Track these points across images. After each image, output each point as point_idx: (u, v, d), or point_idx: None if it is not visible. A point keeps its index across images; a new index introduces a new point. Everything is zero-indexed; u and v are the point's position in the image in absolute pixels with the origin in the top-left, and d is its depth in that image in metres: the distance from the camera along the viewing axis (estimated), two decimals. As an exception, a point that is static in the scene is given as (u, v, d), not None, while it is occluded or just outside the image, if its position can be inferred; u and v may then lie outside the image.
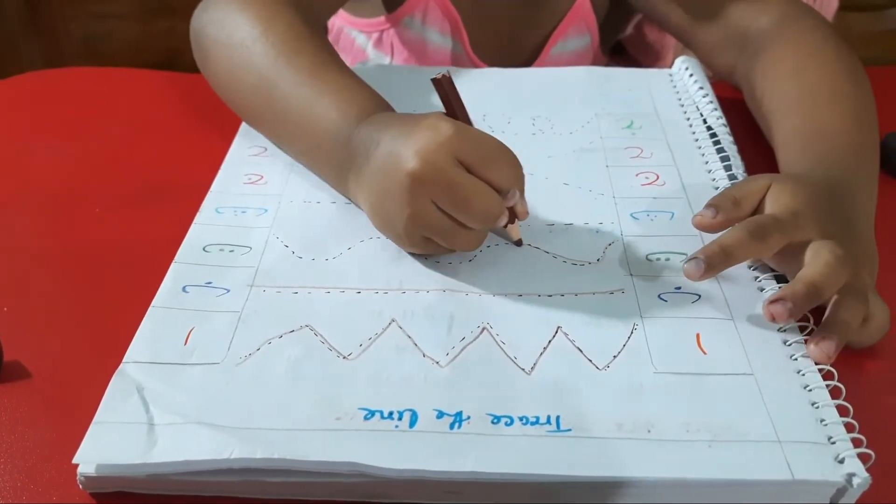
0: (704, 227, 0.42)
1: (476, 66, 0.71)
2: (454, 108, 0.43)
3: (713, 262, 0.39)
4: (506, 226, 0.43)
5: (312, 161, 0.50)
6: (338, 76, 0.48)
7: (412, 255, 0.44)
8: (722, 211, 0.41)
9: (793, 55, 0.55)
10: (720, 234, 0.40)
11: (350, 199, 0.48)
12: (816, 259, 0.39)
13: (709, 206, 0.42)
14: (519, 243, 0.45)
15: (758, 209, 0.42)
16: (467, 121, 0.43)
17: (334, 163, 0.46)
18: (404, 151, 0.40)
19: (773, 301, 0.38)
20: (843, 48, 0.55)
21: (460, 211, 0.40)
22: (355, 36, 0.76)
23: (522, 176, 0.43)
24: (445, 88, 0.42)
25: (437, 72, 0.44)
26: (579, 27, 0.71)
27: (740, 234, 0.40)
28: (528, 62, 0.72)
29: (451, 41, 0.70)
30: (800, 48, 0.55)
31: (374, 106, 0.46)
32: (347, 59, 0.79)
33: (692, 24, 0.63)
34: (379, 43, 0.74)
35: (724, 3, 0.61)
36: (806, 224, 0.40)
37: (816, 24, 0.57)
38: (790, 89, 0.53)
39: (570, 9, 0.70)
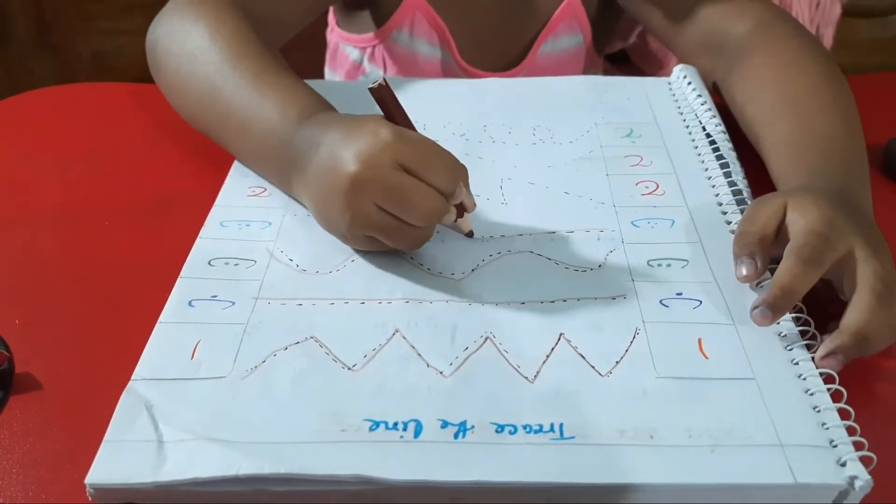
0: (752, 280, 0.42)
1: (466, 72, 0.72)
2: (393, 113, 0.44)
3: (779, 305, 0.39)
4: (455, 220, 0.45)
5: (256, 162, 0.51)
6: (279, 79, 0.49)
7: (414, 266, 0.45)
8: (759, 255, 0.41)
9: (769, 64, 0.55)
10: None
11: (294, 198, 0.49)
12: (858, 302, 0.39)
13: (744, 258, 0.41)
14: (470, 234, 0.47)
15: (780, 228, 0.42)
16: (408, 125, 0.44)
17: (277, 163, 0.48)
18: (345, 155, 0.41)
19: (826, 356, 0.38)
20: (821, 53, 0.55)
21: (403, 212, 0.41)
22: (349, 52, 0.78)
23: (464, 172, 0.44)
24: (383, 97, 0.43)
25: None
26: (570, 25, 0.71)
27: (796, 268, 0.39)
28: (517, 61, 0.72)
29: (440, 51, 0.71)
30: (776, 56, 0.55)
31: (315, 107, 0.48)
32: (340, 75, 0.80)
33: (671, 26, 0.64)
34: (372, 57, 0.75)
35: (701, 7, 0.61)
36: (844, 229, 0.40)
37: (792, 30, 0.57)
38: (770, 98, 0.53)
39: (559, 6, 0.70)
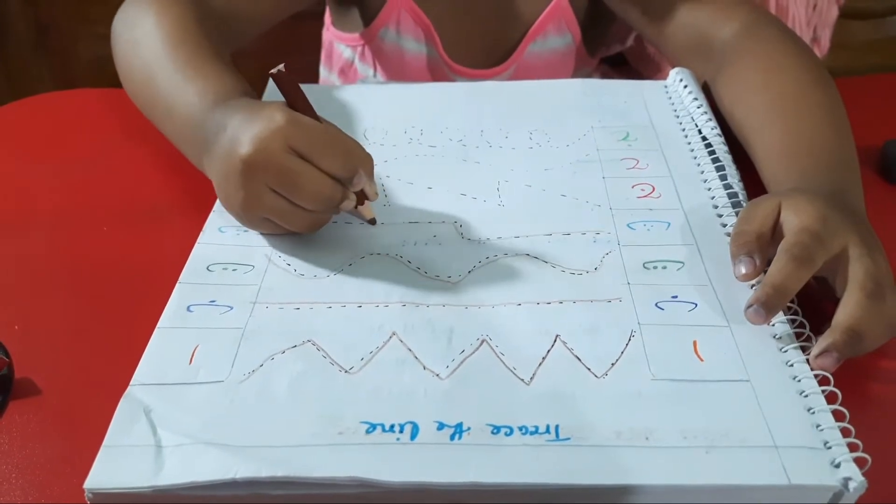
0: (752, 278, 0.41)
1: (452, 69, 0.72)
2: (294, 100, 0.45)
3: (772, 304, 0.39)
4: (356, 207, 0.46)
5: (178, 143, 0.53)
6: (207, 65, 0.51)
7: (411, 270, 0.45)
8: (757, 254, 0.41)
9: (755, 68, 0.56)
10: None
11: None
12: (848, 299, 0.39)
13: (742, 257, 0.41)
14: (372, 222, 0.49)
15: (775, 228, 0.42)
16: (309, 111, 0.45)
17: (192, 145, 0.50)
18: (242, 138, 0.43)
19: (819, 355, 0.38)
20: (807, 55, 0.55)
21: (293, 195, 0.43)
22: (342, 50, 0.79)
23: (366, 161, 0.45)
24: (284, 82, 0.45)
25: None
26: (558, 25, 0.72)
27: (788, 266, 0.39)
28: (504, 59, 0.73)
29: (426, 47, 0.72)
30: (762, 60, 0.56)
31: (233, 93, 0.49)
32: (335, 73, 0.81)
33: (660, 30, 0.64)
34: (363, 56, 0.76)
35: (687, 11, 0.62)
36: (838, 227, 0.40)
37: (779, 32, 0.58)
38: (757, 103, 0.53)
39: (546, 6, 0.71)
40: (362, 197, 0.46)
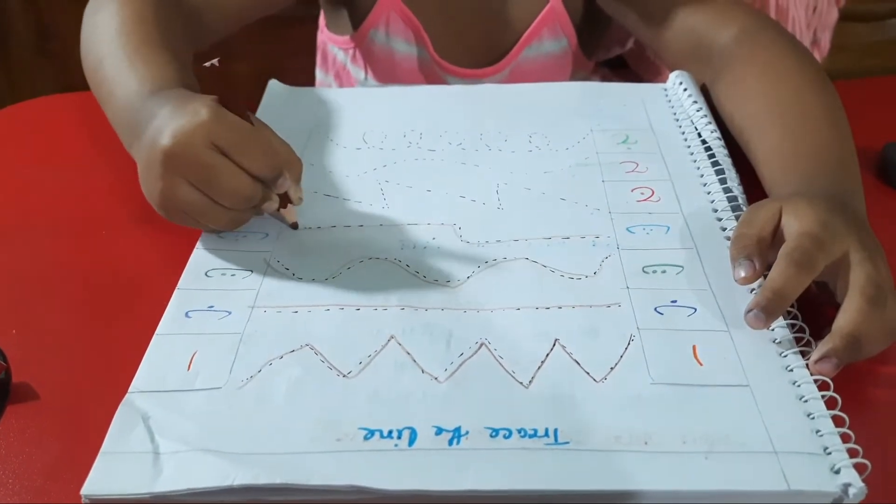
0: (750, 282, 0.41)
1: (443, 69, 0.72)
2: (227, 96, 0.44)
3: (772, 308, 0.39)
4: (279, 209, 0.46)
5: (116, 129, 0.53)
6: (154, 54, 0.51)
7: (409, 273, 0.45)
8: (757, 258, 0.41)
9: (754, 72, 0.55)
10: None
11: None
12: (849, 305, 0.39)
13: (742, 260, 0.41)
14: (294, 226, 0.48)
15: (776, 232, 0.42)
16: (240, 109, 0.45)
17: (126, 131, 0.50)
18: (165, 130, 0.43)
19: (819, 360, 0.38)
20: (806, 59, 0.55)
21: (210, 190, 0.43)
22: (336, 53, 0.79)
23: (291, 164, 0.45)
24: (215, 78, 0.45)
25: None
26: (553, 29, 0.71)
27: (788, 270, 0.39)
28: (497, 61, 0.73)
29: (417, 48, 0.72)
30: (761, 64, 0.56)
31: (172, 83, 0.49)
32: (331, 76, 0.81)
33: (658, 35, 0.64)
34: (354, 59, 0.77)
35: (686, 16, 0.62)
36: (838, 232, 0.40)
37: (777, 36, 0.58)
38: (756, 108, 0.53)
39: (541, 11, 0.70)
40: (286, 200, 0.46)
